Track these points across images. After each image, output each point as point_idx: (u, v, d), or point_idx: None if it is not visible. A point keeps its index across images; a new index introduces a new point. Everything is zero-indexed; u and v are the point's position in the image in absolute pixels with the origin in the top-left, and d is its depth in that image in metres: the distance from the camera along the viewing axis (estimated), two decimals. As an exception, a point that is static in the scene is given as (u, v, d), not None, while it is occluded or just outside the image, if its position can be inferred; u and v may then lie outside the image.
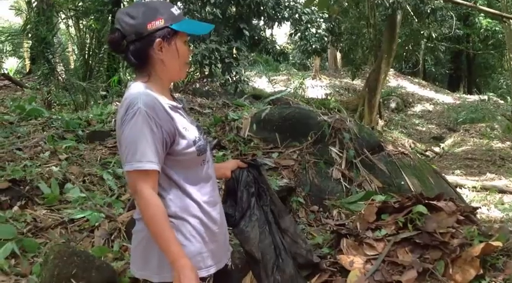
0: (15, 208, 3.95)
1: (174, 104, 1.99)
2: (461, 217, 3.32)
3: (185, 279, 1.77)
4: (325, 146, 5.39)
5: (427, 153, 13.45)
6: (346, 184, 5.08)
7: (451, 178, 8.39)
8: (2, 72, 15.24)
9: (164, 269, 1.90)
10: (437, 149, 14.18)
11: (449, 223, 3.24)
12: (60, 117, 6.59)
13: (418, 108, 21.76)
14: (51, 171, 4.63)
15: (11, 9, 13.68)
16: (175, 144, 1.90)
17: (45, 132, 6.01)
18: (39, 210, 4.05)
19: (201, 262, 1.95)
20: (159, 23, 1.91)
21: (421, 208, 3.31)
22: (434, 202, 3.38)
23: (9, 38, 12.94)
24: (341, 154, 5.32)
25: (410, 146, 13.65)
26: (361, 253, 3.28)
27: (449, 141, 15.08)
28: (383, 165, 5.36)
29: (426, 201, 3.41)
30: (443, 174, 9.47)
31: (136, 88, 1.91)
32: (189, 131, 1.97)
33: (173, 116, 1.92)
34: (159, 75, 1.97)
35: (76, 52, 12.32)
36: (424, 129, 18.65)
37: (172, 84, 2.09)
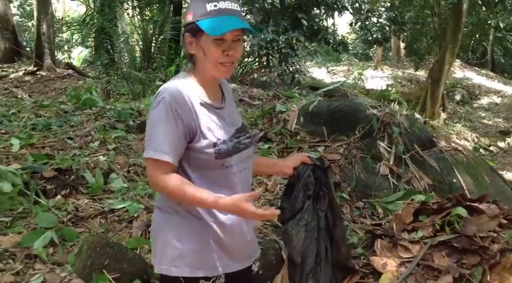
0: (58, 197, 4.03)
1: (209, 101, 1.94)
2: (504, 221, 3.13)
3: (238, 212, 1.83)
4: (373, 141, 5.22)
5: (490, 148, 12.89)
6: (393, 181, 4.91)
7: (513, 175, 7.99)
8: (67, 61, 15.74)
9: (163, 260, 1.94)
10: (502, 144, 13.56)
11: (490, 227, 3.05)
12: (113, 107, 6.73)
13: (484, 100, 20.88)
14: (97, 160, 4.74)
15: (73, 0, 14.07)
16: (194, 141, 1.87)
17: (97, 122, 6.16)
18: (82, 199, 4.13)
19: (198, 261, 1.92)
20: (189, 17, 1.90)
21: (461, 210, 3.13)
22: (476, 204, 3.20)
23: (77, 27, 13.31)
24: (389, 150, 5.14)
25: (473, 140, 13.15)
26: (396, 255, 3.15)
27: (516, 136, 14.41)
28: (434, 161, 5.15)
29: (467, 203, 3.23)
30: (504, 171, 9.11)
31: (176, 77, 1.96)
32: (212, 131, 1.91)
33: (198, 113, 1.87)
34: (197, 67, 1.96)
35: (140, 42, 12.59)
36: (490, 122, 17.89)
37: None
